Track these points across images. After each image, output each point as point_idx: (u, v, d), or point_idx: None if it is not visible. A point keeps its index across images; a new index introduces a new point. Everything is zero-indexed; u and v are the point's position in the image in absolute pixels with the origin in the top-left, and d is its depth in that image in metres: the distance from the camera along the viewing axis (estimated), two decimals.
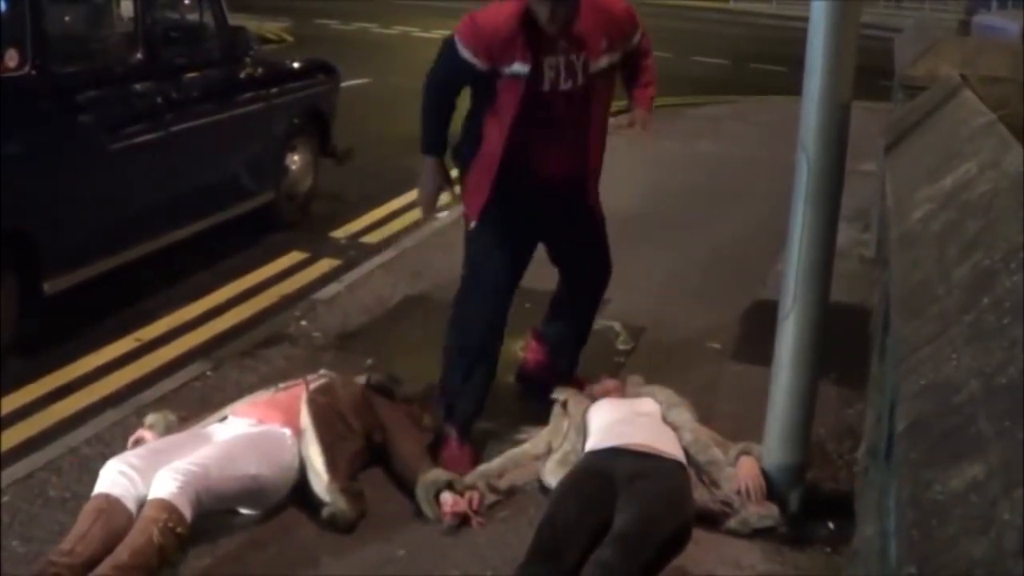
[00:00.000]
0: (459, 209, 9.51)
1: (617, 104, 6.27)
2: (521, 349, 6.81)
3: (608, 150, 6.17)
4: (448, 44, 5.76)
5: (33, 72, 7.04)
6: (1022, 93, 7.48)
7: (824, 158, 4.87)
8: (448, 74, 5.84)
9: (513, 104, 5.65)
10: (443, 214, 10.28)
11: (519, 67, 5.59)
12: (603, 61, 5.78)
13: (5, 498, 5.20)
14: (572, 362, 6.62)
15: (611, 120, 6.24)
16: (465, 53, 5.64)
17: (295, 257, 9.42)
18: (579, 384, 6.22)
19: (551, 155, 5.85)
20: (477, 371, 5.99)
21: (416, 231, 10.10)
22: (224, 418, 5.45)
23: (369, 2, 33.06)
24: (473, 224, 5.94)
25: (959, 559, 1.91)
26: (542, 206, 5.98)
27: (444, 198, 6.25)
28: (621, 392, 5.96)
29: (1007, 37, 13.26)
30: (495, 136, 5.76)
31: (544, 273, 6.52)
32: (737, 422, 5.91)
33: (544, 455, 5.58)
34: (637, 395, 5.87)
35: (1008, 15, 18.47)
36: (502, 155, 5.71)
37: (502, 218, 5.86)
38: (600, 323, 7.25)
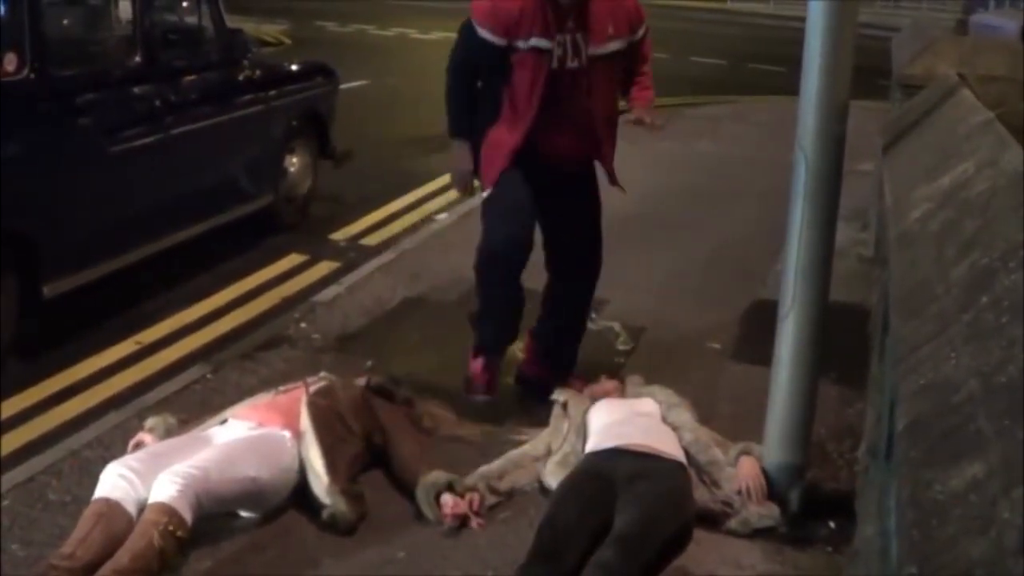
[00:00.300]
0: (459, 212, 9.63)
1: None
2: (520, 351, 6.81)
3: None
4: (466, 26, 6.06)
5: (32, 75, 7.03)
6: (1020, 92, 7.48)
7: (822, 158, 4.88)
8: (468, 54, 6.14)
9: (530, 76, 5.95)
10: (442, 216, 10.32)
11: (537, 41, 5.90)
12: (607, 47, 6.04)
13: (5, 502, 5.20)
14: (570, 359, 6.66)
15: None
16: (482, 32, 5.96)
17: (294, 259, 9.41)
18: (579, 384, 6.23)
19: (556, 135, 6.08)
20: (496, 312, 6.46)
21: (415, 233, 10.12)
22: (224, 421, 5.45)
23: (367, 3, 33.05)
24: (489, 190, 6.24)
25: (959, 559, 1.92)
26: (549, 183, 6.19)
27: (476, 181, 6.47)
28: (621, 393, 5.97)
29: (1005, 36, 13.25)
30: (511, 109, 6.05)
31: (543, 274, 6.56)
32: (737, 422, 5.92)
33: (544, 456, 5.58)
34: (637, 395, 5.87)
35: (1006, 14, 18.45)
36: (527, 129, 6.01)
37: (517, 184, 6.12)
38: (600, 323, 7.27)
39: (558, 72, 5.98)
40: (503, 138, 6.11)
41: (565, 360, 6.65)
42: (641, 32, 6.26)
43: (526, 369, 6.72)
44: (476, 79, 6.23)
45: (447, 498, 5.12)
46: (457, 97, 6.27)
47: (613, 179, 6.43)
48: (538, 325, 6.70)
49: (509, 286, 6.36)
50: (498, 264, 6.29)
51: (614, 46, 6.08)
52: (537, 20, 5.90)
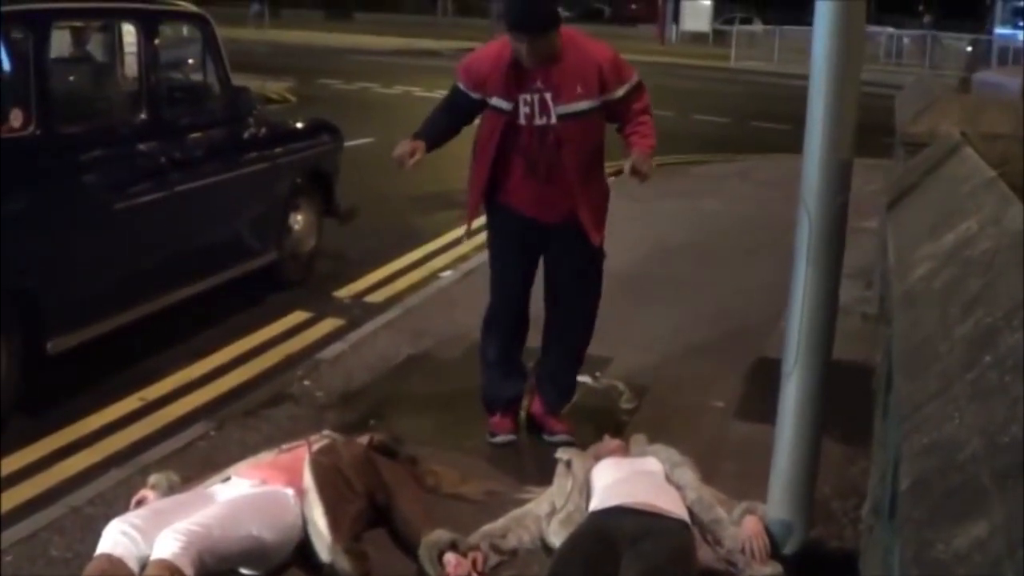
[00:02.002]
0: (463, 269, 9.70)
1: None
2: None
3: (610, 209, 6.32)
4: (454, 80, 6.45)
5: (37, 132, 7.07)
6: (1023, 150, 7.49)
7: (826, 216, 4.88)
8: (450, 97, 6.52)
9: (493, 133, 6.29)
10: (447, 274, 10.33)
11: (498, 101, 6.21)
12: (575, 105, 6.18)
13: (8, 558, 5.18)
14: (561, 396, 6.85)
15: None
16: (461, 86, 6.37)
17: (299, 316, 9.42)
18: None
19: (529, 188, 6.34)
20: (492, 361, 6.80)
21: (420, 291, 10.12)
22: (227, 478, 5.44)
23: (373, 62, 33.14)
24: (485, 223, 6.74)
25: None
26: (539, 233, 6.48)
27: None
28: (625, 452, 5.96)
29: (1007, 93, 13.30)
30: (481, 158, 6.41)
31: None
32: (741, 480, 5.90)
33: (548, 515, 5.55)
34: (641, 455, 5.87)
35: (1008, 72, 18.55)
36: (486, 176, 6.36)
37: (506, 248, 6.64)
38: (603, 382, 7.26)
39: (526, 128, 6.23)
40: (473, 177, 6.51)
41: (556, 395, 6.82)
42: (622, 91, 6.28)
43: (530, 406, 6.91)
44: (455, 116, 6.52)
45: (450, 557, 5.10)
46: (430, 117, 6.53)
47: (591, 238, 6.46)
48: (536, 366, 6.91)
49: (500, 346, 6.76)
50: (489, 325, 6.78)
51: (584, 104, 6.19)
52: (500, 80, 6.19)
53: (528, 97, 6.17)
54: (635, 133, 6.34)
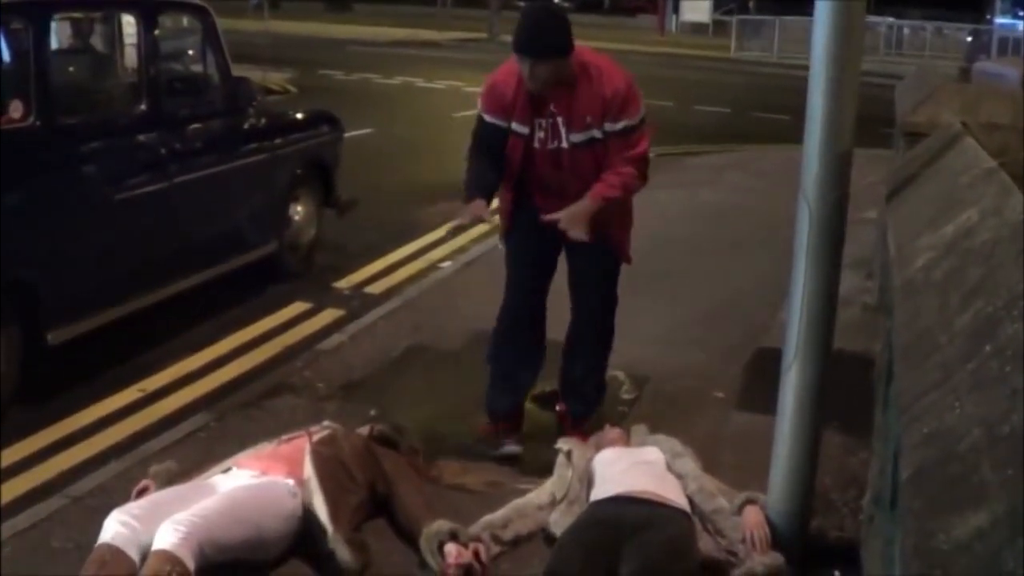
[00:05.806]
0: (463, 260, 9.70)
1: None
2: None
3: None
4: (478, 116, 6.35)
5: (37, 123, 7.06)
6: (1023, 140, 7.48)
7: (826, 207, 4.87)
8: (480, 134, 6.34)
9: (514, 154, 6.22)
10: (446, 264, 10.32)
11: (517, 126, 6.17)
12: (583, 135, 6.14)
13: (7, 549, 5.18)
14: (583, 405, 6.76)
15: None
16: (487, 116, 6.25)
17: (298, 307, 9.42)
18: (580, 437, 6.28)
19: (550, 202, 6.22)
20: (500, 365, 6.70)
21: (419, 281, 10.12)
22: (227, 469, 5.44)
23: (373, 53, 33.07)
24: (503, 241, 6.69)
25: None
26: (561, 237, 6.32)
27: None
28: (625, 441, 5.96)
29: (1007, 83, 13.28)
30: (506, 179, 6.33)
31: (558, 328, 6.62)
32: (741, 471, 5.90)
33: (549, 505, 5.56)
34: (641, 444, 5.86)
35: (1008, 62, 18.53)
36: (512, 196, 6.40)
37: (521, 239, 6.53)
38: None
39: (540, 151, 6.22)
40: (506, 202, 6.50)
41: (576, 404, 6.74)
42: (620, 126, 6.10)
43: (559, 418, 6.85)
44: (494, 151, 6.28)
45: (451, 547, 5.10)
46: (471, 166, 6.35)
47: (617, 253, 6.60)
48: (561, 366, 6.85)
49: (509, 347, 6.67)
50: (501, 324, 6.69)
51: (592, 134, 6.13)
52: (518, 105, 6.15)
53: (543, 122, 6.15)
54: (603, 181, 6.14)
